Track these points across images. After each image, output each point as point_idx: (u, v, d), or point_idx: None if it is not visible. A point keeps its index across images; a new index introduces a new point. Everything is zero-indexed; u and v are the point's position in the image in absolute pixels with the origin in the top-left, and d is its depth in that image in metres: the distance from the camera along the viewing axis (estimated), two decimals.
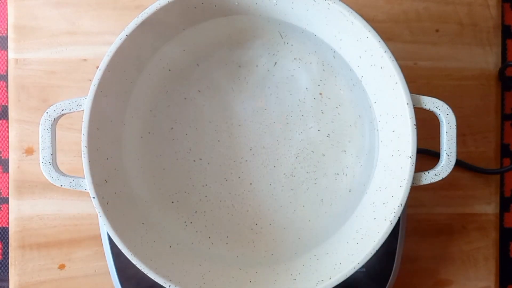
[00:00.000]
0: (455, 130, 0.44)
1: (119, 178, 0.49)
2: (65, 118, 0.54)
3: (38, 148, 0.46)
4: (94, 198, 0.43)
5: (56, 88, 0.57)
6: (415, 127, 0.43)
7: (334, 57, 0.51)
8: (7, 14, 0.57)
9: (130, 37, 0.43)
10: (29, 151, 0.57)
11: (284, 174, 0.53)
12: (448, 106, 0.44)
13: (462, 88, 0.57)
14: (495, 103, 0.58)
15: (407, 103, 0.43)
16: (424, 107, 0.44)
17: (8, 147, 0.59)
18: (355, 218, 0.49)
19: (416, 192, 0.56)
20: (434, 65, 0.57)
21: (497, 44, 0.57)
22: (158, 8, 0.43)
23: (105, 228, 0.45)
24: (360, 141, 0.52)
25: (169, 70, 0.52)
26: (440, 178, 0.45)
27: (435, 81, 0.57)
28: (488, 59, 0.57)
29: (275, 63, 0.53)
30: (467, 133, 0.57)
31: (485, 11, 0.57)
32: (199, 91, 0.53)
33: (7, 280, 0.57)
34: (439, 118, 0.45)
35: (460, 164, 0.57)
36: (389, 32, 0.57)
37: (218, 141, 0.53)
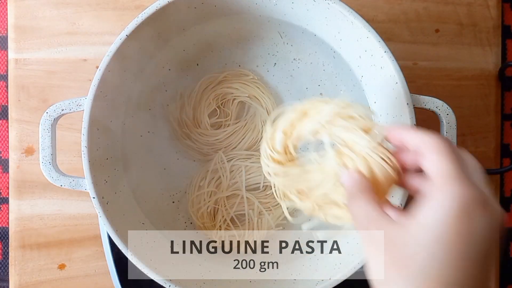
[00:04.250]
0: (455, 130, 0.44)
1: (119, 178, 0.49)
2: (65, 118, 0.54)
3: (38, 148, 0.46)
4: (94, 198, 0.43)
5: (56, 88, 0.57)
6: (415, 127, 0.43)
7: (334, 57, 0.51)
8: (7, 14, 0.57)
9: (130, 37, 0.43)
10: (29, 151, 0.57)
11: None
12: (448, 106, 0.44)
13: (462, 88, 0.57)
14: (495, 103, 0.58)
15: (407, 103, 0.43)
16: (424, 107, 0.44)
17: (8, 147, 0.58)
18: None
19: None
20: (434, 65, 0.57)
21: (497, 44, 0.57)
22: (158, 8, 0.43)
23: (105, 228, 0.45)
24: None
25: (169, 69, 0.52)
26: None
27: (435, 81, 0.57)
28: (488, 59, 0.57)
29: (275, 63, 0.53)
30: (467, 133, 0.57)
31: (484, 11, 0.57)
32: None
33: (7, 280, 0.57)
34: (439, 118, 0.45)
35: None
36: (389, 32, 0.57)
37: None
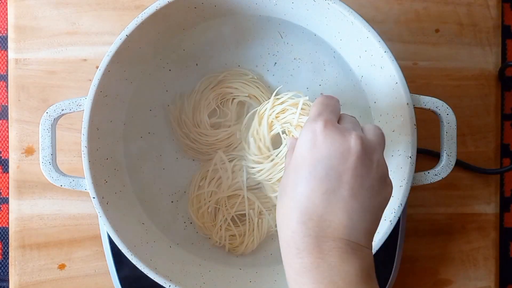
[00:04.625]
0: (455, 130, 0.44)
1: (119, 178, 0.49)
2: (65, 118, 0.54)
3: (38, 148, 0.46)
4: (94, 198, 0.43)
5: (56, 88, 0.57)
6: (415, 127, 0.43)
7: (334, 57, 0.51)
8: (7, 14, 0.57)
9: (130, 37, 0.43)
10: (29, 151, 0.57)
11: None
12: (448, 106, 0.44)
13: (462, 88, 0.57)
14: (495, 103, 0.58)
15: (407, 103, 0.43)
16: (424, 107, 0.44)
17: (8, 147, 0.58)
18: None
19: (416, 192, 0.56)
20: (434, 65, 0.57)
21: (497, 44, 0.57)
22: (158, 8, 0.43)
23: (105, 228, 0.45)
24: None
25: (169, 70, 0.52)
26: (440, 178, 0.45)
27: (434, 81, 0.57)
28: (487, 59, 0.57)
29: (275, 63, 0.53)
30: (467, 133, 0.57)
31: (484, 11, 0.57)
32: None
33: (7, 280, 0.57)
34: (439, 118, 0.45)
35: (460, 164, 0.57)
36: (389, 32, 0.57)
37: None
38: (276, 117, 0.46)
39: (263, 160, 0.48)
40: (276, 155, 0.47)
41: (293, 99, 0.45)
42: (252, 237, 0.52)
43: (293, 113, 0.45)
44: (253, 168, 0.49)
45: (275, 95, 0.48)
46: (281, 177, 0.46)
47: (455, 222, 0.57)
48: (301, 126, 0.42)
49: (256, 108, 0.50)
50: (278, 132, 0.47)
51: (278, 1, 0.46)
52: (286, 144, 0.46)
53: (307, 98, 0.43)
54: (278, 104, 0.46)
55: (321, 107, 0.36)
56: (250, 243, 0.51)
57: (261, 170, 0.48)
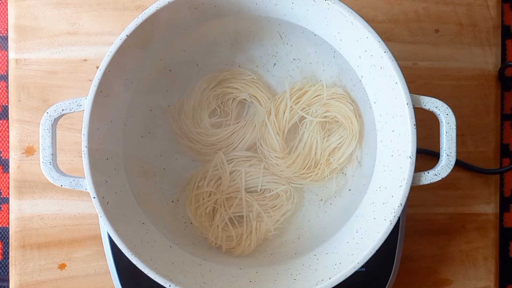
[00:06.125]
0: (454, 130, 0.44)
1: (119, 178, 0.49)
2: (65, 118, 0.54)
3: (39, 148, 0.46)
4: (94, 198, 0.43)
5: (56, 88, 0.57)
6: (415, 127, 0.43)
7: (334, 57, 0.51)
8: (7, 14, 0.57)
9: (130, 37, 0.43)
10: (30, 151, 0.57)
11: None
12: (447, 106, 0.44)
13: (462, 88, 0.57)
14: (495, 103, 0.58)
15: (407, 103, 0.43)
16: (424, 107, 0.44)
17: (8, 147, 0.59)
18: (355, 218, 0.49)
19: (416, 192, 0.56)
20: (434, 65, 0.57)
21: (497, 44, 0.58)
22: (158, 9, 0.43)
23: (105, 228, 0.45)
24: (360, 141, 0.52)
25: (170, 70, 0.52)
26: (440, 178, 0.45)
27: (434, 81, 0.57)
28: (487, 59, 0.57)
29: (275, 63, 0.53)
30: (466, 133, 0.57)
31: (484, 12, 0.57)
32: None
33: (8, 280, 0.57)
34: (438, 118, 0.45)
35: (459, 164, 0.57)
36: (388, 32, 0.57)
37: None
38: (291, 109, 0.51)
39: (284, 156, 0.51)
40: (297, 146, 0.51)
41: (309, 81, 0.51)
42: (249, 240, 0.52)
43: (307, 91, 0.50)
44: (279, 165, 0.51)
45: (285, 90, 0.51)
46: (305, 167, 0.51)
47: (455, 222, 0.57)
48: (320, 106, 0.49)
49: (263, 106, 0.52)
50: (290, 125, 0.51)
51: (278, 1, 0.46)
52: (303, 132, 0.51)
53: (324, 80, 0.48)
54: (298, 90, 0.51)
55: None
56: (247, 246, 0.51)
57: (288, 164, 0.51)
